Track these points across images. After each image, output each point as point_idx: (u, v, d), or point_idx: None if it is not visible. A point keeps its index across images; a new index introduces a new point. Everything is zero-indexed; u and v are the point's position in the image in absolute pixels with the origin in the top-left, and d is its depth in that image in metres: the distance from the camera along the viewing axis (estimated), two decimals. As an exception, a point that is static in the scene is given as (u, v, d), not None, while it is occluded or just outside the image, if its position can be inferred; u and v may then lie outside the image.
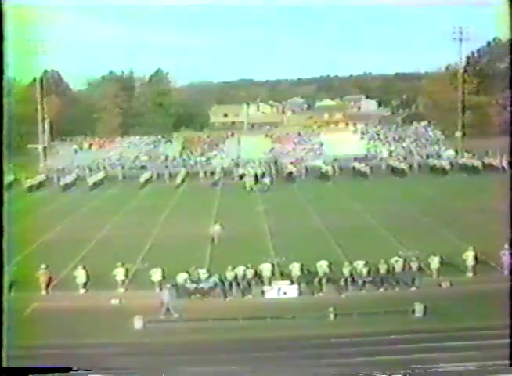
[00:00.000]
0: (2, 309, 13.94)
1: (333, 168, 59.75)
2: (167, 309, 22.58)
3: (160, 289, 24.72)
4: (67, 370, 15.12)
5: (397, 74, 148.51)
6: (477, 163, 58.69)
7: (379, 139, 73.04)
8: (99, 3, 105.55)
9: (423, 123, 79.81)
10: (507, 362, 15.12)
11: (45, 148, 71.20)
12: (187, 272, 24.67)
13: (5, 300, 14.34)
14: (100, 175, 61.33)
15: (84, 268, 25.60)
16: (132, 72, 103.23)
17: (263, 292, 24.48)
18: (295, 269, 24.99)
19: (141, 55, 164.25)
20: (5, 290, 17.36)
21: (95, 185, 57.01)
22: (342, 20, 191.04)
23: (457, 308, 21.80)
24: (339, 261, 26.05)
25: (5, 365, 14.28)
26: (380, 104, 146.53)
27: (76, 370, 15.15)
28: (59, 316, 22.35)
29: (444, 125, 75.42)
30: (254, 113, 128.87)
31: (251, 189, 52.92)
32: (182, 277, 24.34)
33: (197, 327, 21.33)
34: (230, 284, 24.43)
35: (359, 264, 24.82)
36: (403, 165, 60.03)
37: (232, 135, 77.06)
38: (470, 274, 25.68)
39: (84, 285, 25.28)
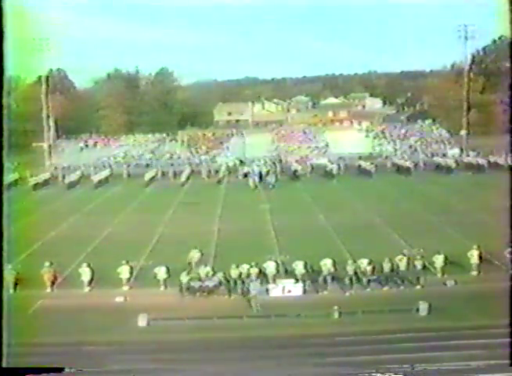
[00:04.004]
0: (2, 308, 13.95)
1: (338, 166, 59.70)
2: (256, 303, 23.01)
3: (165, 287, 24.79)
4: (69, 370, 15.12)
5: (402, 72, 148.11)
6: (482, 161, 58.53)
7: (384, 137, 72.97)
8: (105, 1, 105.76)
9: (428, 121, 79.66)
10: (508, 361, 15.08)
11: (50, 146, 71.41)
12: (188, 270, 24.76)
13: (6, 298, 14.32)
14: (105, 173, 61.43)
15: (88, 266, 25.62)
16: (137, 70, 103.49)
17: (267, 290, 24.46)
18: (299, 267, 24.98)
19: (146, 53, 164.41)
20: (7, 288, 17.44)
21: (100, 183, 57.11)
22: (347, 18, 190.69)
23: (462, 306, 21.75)
24: (343, 259, 25.98)
25: (9, 363, 14.29)
26: (385, 102, 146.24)
27: (70, 370, 15.15)
28: (64, 313, 22.35)
29: (449, 124, 75.35)
30: (258, 111, 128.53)
31: (256, 187, 52.93)
32: (186, 275, 24.38)
33: (202, 325, 21.33)
34: (235, 282, 24.44)
35: (364, 262, 24.79)
36: (408, 163, 59.91)
37: (237, 133, 77.02)
38: (474, 273, 25.62)
39: (89, 283, 25.32)
